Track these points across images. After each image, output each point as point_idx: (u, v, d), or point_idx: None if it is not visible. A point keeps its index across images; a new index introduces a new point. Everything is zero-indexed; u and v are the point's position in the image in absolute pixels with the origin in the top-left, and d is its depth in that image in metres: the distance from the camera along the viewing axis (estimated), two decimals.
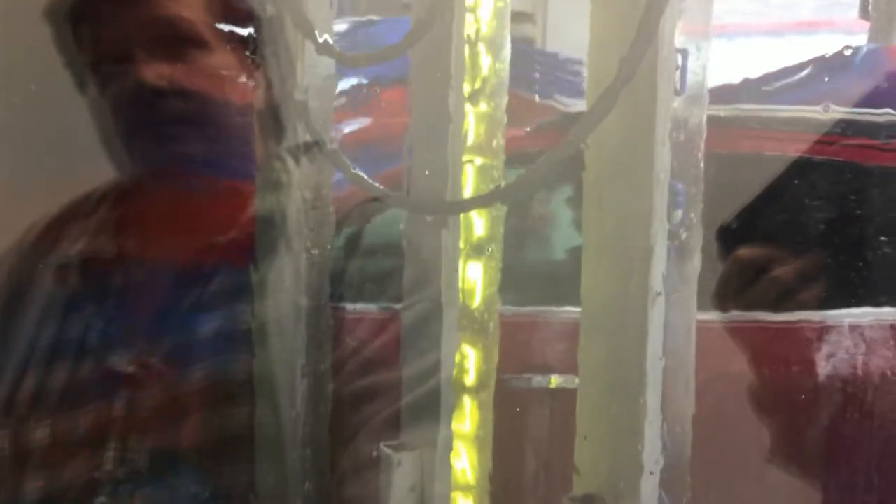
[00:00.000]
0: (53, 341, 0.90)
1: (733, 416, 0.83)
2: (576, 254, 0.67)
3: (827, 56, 1.08)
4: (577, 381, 0.57)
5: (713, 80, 0.61)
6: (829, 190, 0.93)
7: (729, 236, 0.86)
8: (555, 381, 1.11)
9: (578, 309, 0.55)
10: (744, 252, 0.85)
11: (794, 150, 1.04)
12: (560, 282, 1.09)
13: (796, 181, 0.92)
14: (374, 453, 0.68)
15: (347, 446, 0.80)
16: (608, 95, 0.51)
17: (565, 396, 1.07)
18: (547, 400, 1.12)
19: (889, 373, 0.83)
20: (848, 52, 1.05)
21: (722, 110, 0.61)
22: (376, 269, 0.88)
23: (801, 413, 0.84)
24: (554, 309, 1.14)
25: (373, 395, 0.80)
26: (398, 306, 0.72)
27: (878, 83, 1.05)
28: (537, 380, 1.13)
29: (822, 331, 0.85)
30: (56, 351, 0.90)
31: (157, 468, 0.84)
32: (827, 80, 1.07)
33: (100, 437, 0.86)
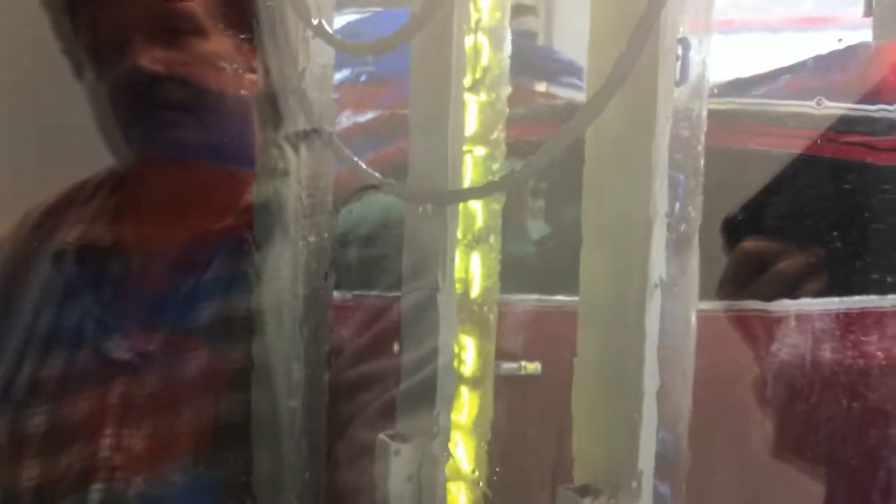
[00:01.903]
0: (50, 328, 0.90)
1: (724, 405, 0.84)
2: (541, 245, 0.68)
3: (823, 54, 1.08)
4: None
5: (717, 76, 0.61)
6: (818, 187, 0.93)
7: (734, 229, 0.87)
8: (533, 367, 1.11)
9: (541, 297, 0.55)
10: (748, 244, 0.86)
11: (787, 146, 1.04)
12: (526, 272, 1.09)
13: (788, 178, 0.93)
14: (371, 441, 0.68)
15: (343, 434, 0.81)
16: (608, 86, 0.51)
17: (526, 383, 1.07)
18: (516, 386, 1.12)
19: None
20: (840, 45, 1.04)
21: (716, 104, 0.61)
22: (354, 258, 0.88)
23: (799, 403, 0.84)
24: (521, 297, 1.14)
25: (369, 383, 0.80)
26: (377, 294, 0.72)
27: (880, 79, 1.05)
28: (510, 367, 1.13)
29: (819, 319, 0.86)
30: (53, 338, 0.90)
31: (154, 455, 0.85)
32: (823, 76, 1.07)
33: (96, 424, 0.86)
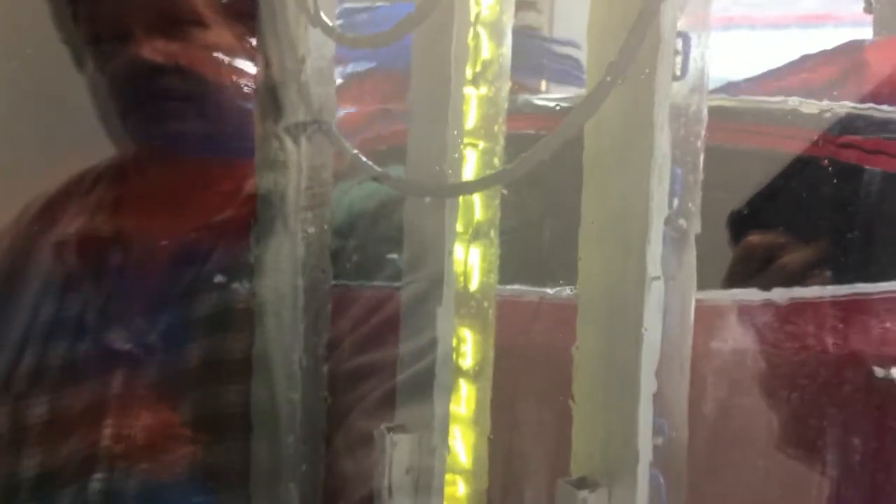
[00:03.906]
0: (51, 319, 0.90)
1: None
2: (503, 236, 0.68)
3: (811, 53, 1.08)
4: None
5: (718, 73, 0.61)
6: (810, 186, 0.94)
7: (739, 223, 0.87)
8: None
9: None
10: (754, 239, 0.86)
11: (774, 145, 1.04)
12: None
13: (781, 177, 0.93)
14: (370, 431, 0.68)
15: (342, 424, 0.81)
16: (607, 80, 0.51)
17: None
18: None
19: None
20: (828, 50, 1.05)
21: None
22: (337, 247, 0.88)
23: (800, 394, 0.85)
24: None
25: (369, 374, 0.80)
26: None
27: (874, 77, 1.05)
28: None
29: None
30: (54, 329, 0.90)
31: (154, 445, 0.85)
32: (812, 75, 1.07)
33: (97, 414, 0.86)
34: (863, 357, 0.86)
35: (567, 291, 0.96)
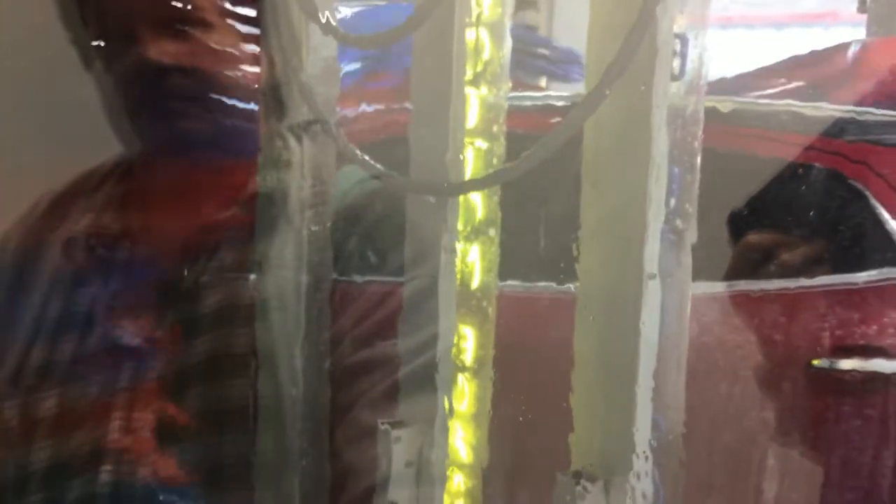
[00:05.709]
0: (60, 315, 0.91)
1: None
2: None
3: (801, 54, 1.09)
4: None
5: (715, 72, 0.61)
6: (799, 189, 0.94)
7: (738, 222, 0.88)
8: None
9: None
10: (753, 237, 0.87)
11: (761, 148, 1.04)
12: None
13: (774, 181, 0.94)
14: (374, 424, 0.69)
15: (344, 418, 0.82)
16: (605, 80, 0.52)
17: None
18: None
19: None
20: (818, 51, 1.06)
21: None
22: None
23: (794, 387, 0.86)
24: None
25: (372, 368, 0.81)
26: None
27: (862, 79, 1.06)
28: None
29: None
30: (63, 324, 0.91)
31: (160, 438, 0.86)
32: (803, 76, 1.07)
33: (106, 407, 0.87)
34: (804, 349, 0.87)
35: (516, 284, 0.96)
